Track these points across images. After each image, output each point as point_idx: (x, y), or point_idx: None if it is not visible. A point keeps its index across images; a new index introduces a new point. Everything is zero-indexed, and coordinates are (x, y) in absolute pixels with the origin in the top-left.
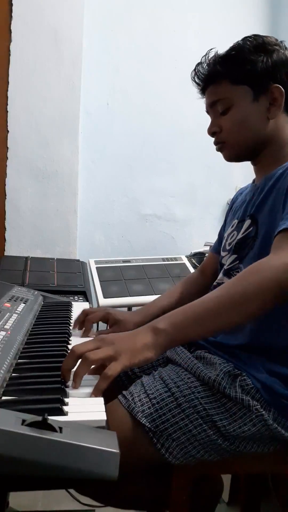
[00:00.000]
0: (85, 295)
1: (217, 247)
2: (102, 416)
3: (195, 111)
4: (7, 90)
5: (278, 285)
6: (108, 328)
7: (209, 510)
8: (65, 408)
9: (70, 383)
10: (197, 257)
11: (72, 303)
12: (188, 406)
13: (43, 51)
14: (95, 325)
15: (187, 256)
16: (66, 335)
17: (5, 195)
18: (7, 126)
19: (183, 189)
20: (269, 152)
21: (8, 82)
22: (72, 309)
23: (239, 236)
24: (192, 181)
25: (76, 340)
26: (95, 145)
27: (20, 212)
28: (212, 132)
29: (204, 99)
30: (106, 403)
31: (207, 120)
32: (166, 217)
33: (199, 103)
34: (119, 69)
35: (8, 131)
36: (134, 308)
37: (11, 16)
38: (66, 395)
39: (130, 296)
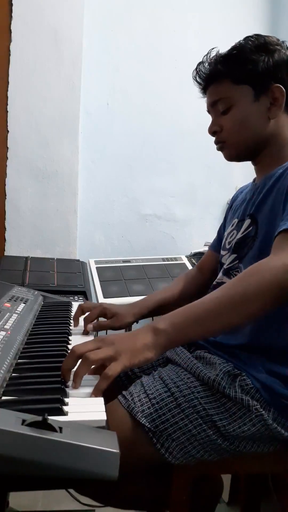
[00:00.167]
0: (85, 295)
1: (215, 245)
2: (102, 416)
3: (195, 111)
4: (7, 90)
5: (279, 286)
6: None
7: (209, 510)
8: (65, 408)
9: (70, 383)
10: (197, 257)
11: (72, 303)
12: (187, 406)
13: (43, 51)
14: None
15: (187, 256)
16: (66, 335)
17: (5, 195)
18: (7, 126)
19: (183, 189)
20: (269, 152)
21: (8, 82)
22: (72, 309)
23: (239, 235)
24: (192, 181)
25: (76, 340)
26: (95, 145)
27: (20, 212)
28: (212, 131)
29: (205, 98)
30: (106, 403)
31: (207, 120)
32: (166, 217)
33: (199, 103)
34: (119, 69)
35: (8, 131)
36: None
37: (11, 16)
38: (66, 395)
39: (130, 296)
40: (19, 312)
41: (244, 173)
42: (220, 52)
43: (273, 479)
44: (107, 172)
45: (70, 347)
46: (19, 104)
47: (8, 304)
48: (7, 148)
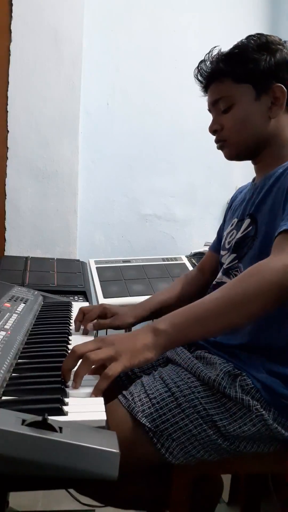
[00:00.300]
0: (85, 295)
1: (215, 246)
2: (102, 416)
3: (195, 111)
4: (7, 90)
5: (279, 286)
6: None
7: (209, 510)
8: (65, 408)
9: (70, 383)
10: (197, 257)
11: (72, 303)
12: (188, 406)
13: (43, 51)
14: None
15: (187, 256)
16: (66, 335)
17: (5, 195)
18: (7, 126)
19: (183, 189)
20: (269, 151)
21: (8, 82)
22: (72, 309)
23: (239, 235)
24: (192, 181)
25: (76, 340)
26: (95, 145)
27: (20, 212)
28: (213, 130)
29: (206, 97)
30: (106, 403)
31: (207, 120)
32: (166, 217)
33: (199, 103)
34: (119, 69)
35: (8, 131)
36: None
37: (11, 16)
38: (66, 395)
39: (130, 296)
40: (19, 312)
41: (244, 173)
42: (222, 50)
43: (273, 479)
44: (107, 172)
45: (70, 347)
46: (19, 104)
47: (8, 304)
48: (7, 148)
